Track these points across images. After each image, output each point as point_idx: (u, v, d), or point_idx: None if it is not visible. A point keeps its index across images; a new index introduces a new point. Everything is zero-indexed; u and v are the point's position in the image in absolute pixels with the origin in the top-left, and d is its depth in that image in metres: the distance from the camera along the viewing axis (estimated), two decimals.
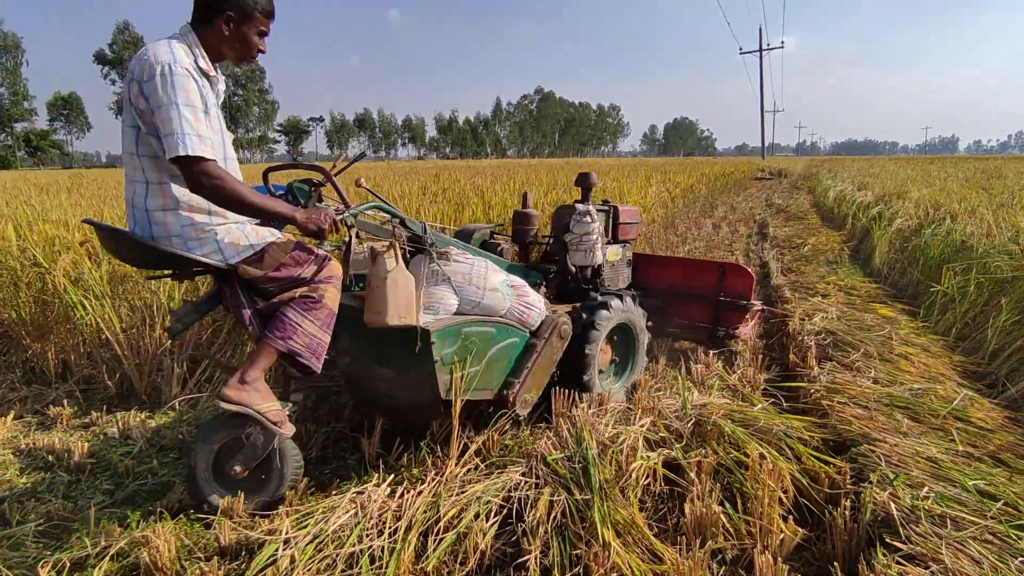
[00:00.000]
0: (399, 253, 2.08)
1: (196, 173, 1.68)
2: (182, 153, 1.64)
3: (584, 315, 2.67)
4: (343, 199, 2.13)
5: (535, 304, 2.52)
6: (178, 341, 1.83)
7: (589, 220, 2.95)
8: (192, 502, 1.96)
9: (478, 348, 2.28)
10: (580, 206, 3.01)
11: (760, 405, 2.58)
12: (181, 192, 1.78)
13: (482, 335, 2.30)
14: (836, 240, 7.25)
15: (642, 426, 2.26)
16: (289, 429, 1.95)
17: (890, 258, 5.71)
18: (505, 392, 2.38)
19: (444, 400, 2.19)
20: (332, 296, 1.99)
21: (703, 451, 2.13)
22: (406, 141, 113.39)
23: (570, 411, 2.41)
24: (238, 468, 1.90)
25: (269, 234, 1.92)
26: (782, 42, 55.36)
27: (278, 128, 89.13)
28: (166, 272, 2.03)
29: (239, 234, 1.85)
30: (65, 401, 2.85)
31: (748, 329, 3.57)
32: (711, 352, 3.38)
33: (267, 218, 1.88)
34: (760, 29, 51.49)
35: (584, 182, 3.15)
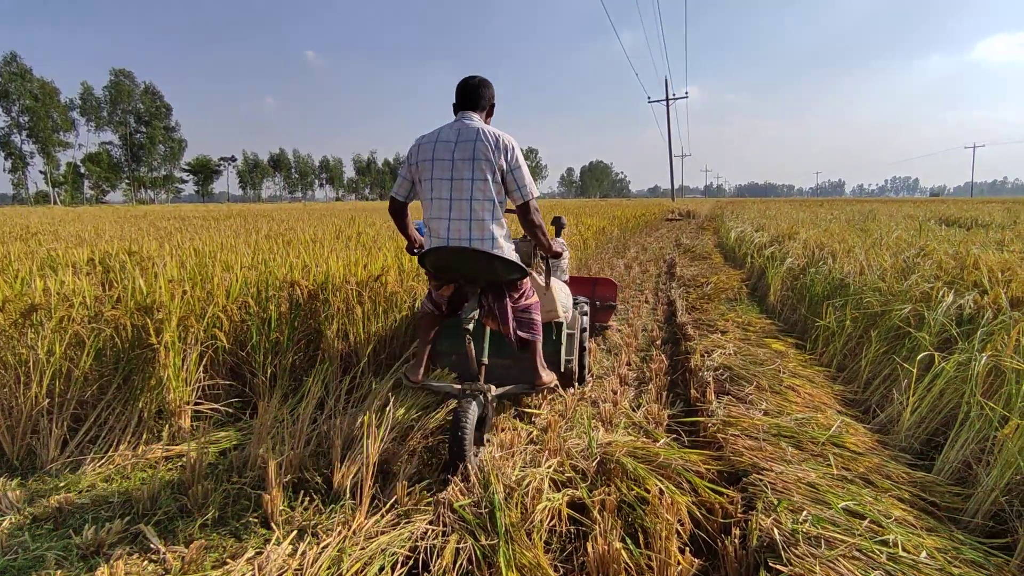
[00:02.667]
0: (547, 269, 3.04)
1: (532, 209, 2.62)
2: (534, 196, 2.60)
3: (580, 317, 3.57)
4: None
5: (571, 303, 3.50)
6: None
7: (563, 250, 3.86)
8: (457, 463, 2.29)
9: (564, 334, 3.15)
10: (559, 239, 3.94)
11: (663, 441, 2.70)
12: (503, 227, 2.61)
13: (563, 325, 3.17)
14: (736, 279, 7.70)
15: (549, 467, 2.31)
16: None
17: (783, 295, 6.16)
18: (569, 368, 3.29)
19: (561, 373, 3.18)
20: None
21: (607, 489, 2.20)
22: (323, 182, 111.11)
23: (478, 455, 2.42)
24: (486, 433, 2.58)
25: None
26: (686, 92, 59.73)
27: (185, 167, 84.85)
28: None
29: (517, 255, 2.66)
30: None
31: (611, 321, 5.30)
32: (620, 391, 3.51)
33: (541, 242, 2.78)
34: (666, 80, 55.41)
35: (558, 223, 4.08)
